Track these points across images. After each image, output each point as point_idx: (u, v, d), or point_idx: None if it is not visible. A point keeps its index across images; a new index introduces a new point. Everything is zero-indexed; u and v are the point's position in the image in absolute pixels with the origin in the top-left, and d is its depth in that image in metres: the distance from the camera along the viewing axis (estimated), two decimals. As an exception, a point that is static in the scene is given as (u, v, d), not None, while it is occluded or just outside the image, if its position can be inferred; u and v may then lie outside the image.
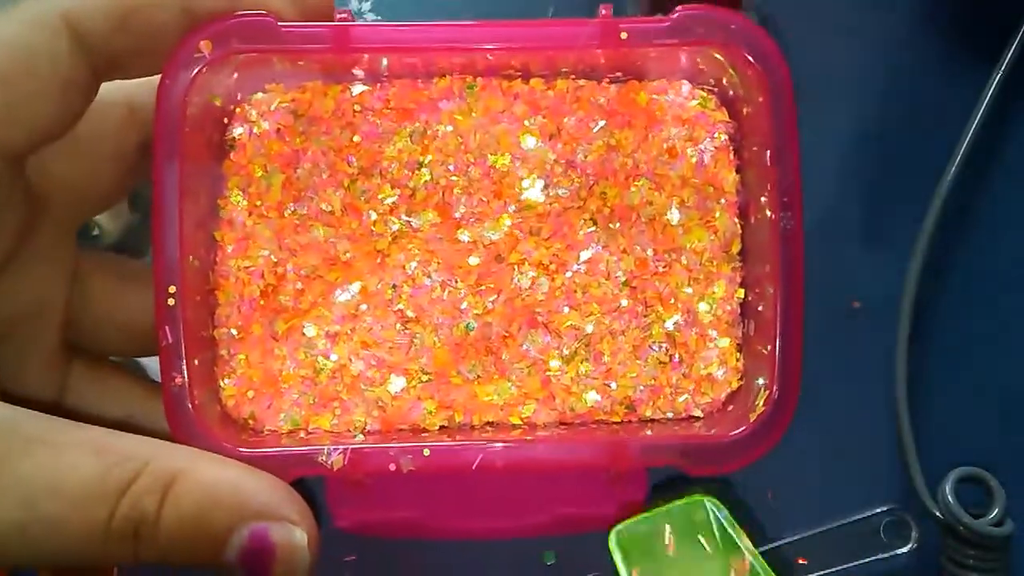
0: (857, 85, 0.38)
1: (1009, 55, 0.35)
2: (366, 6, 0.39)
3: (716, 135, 0.29)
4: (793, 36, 0.38)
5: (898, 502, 0.34)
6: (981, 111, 0.36)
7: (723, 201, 0.29)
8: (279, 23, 0.25)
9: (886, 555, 0.34)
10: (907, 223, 0.35)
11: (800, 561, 0.34)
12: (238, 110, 0.28)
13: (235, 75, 0.27)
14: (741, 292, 0.29)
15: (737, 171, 0.29)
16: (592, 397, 0.28)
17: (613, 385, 0.28)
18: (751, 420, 0.27)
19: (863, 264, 0.37)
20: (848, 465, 0.35)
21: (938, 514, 0.33)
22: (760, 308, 0.28)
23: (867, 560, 0.34)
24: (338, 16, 0.26)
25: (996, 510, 0.33)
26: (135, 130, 0.27)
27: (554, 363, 0.28)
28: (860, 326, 0.36)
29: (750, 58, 0.26)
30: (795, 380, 0.26)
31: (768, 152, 0.26)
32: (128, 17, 0.24)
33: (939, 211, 0.35)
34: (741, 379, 0.29)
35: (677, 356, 0.29)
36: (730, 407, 0.29)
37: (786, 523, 0.34)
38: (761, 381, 0.27)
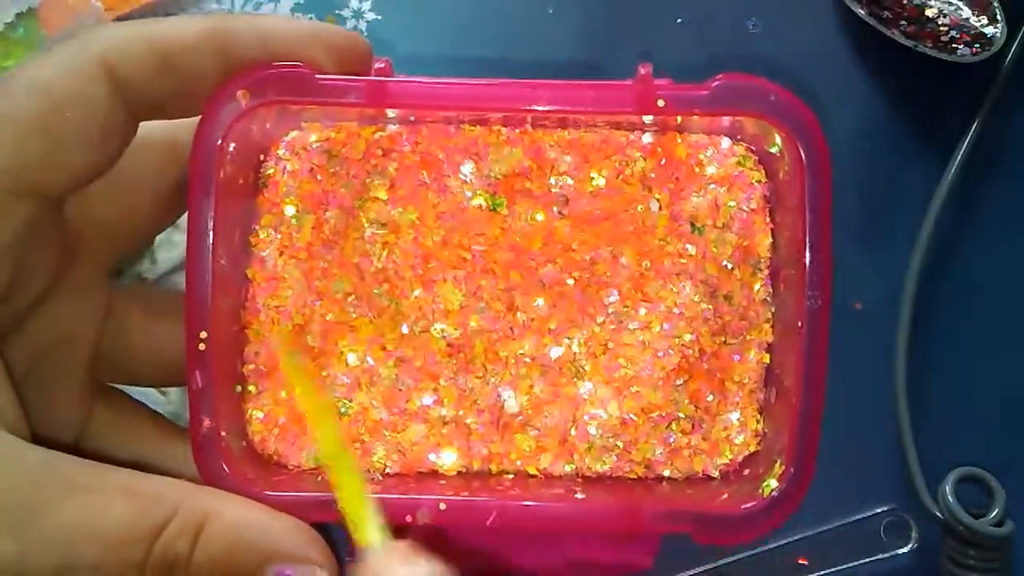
0: (857, 85, 0.38)
1: (1011, 52, 0.35)
2: (366, 5, 0.39)
3: (753, 196, 0.28)
4: (796, 35, 0.38)
5: (898, 502, 0.35)
6: (982, 111, 0.36)
7: (759, 266, 0.29)
8: (316, 75, 0.25)
9: (886, 555, 0.34)
10: (907, 223, 0.36)
11: (800, 561, 0.34)
12: (273, 147, 0.28)
13: (271, 115, 0.27)
14: (767, 357, 0.29)
15: (771, 235, 0.29)
16: (611, 458, 0.28)
17: (633, 449, 0.28)
18: (764, 495, 0.26)
19: (863, 264, 0.37)
20: (848, 465, 0.35)
21: (938, 514, 0.33)
22: (783, 378, 0.28)
23: (867, 560, 0.34)
24: (375, 68, 0.26)
25: (996, 510, 0.33)
26: (174, 168, 0.27)
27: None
28: (860, 326, 0.36)
29: (789, 131, 0.26)
30: (811, 459, 0.26)
31: (801, 229, 0.26)
32: (166, 62, 0.24)
33: (939, 211, 0.35)
34: (760, 443, 0.29)
35: (699, 418, 0.28)
36: (746, 470, 0.29)
37: (786, 523, 0.34)
38: (778, 451, 0.27)
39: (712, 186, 0.28)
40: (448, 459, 0.28)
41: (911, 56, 0.35)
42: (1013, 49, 0.35)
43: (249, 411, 0.28)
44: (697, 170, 0.28)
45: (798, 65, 0.38)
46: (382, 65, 0.26)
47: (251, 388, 0.28)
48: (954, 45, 0.34)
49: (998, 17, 0.34)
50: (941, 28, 0.34)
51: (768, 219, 0.29)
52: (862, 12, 0.36)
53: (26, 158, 0.23)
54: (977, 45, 0.34)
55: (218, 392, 0.26)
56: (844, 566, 0.34)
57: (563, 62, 0.38)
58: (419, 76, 0.26)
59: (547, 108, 0.26)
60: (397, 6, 0.39)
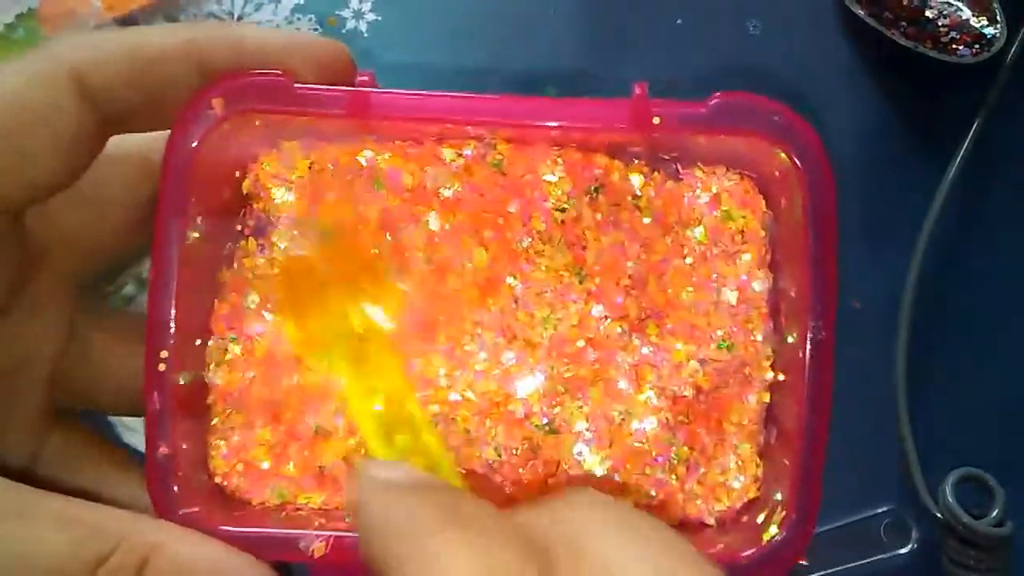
0: (858, 86, 0.38)
1: (1011, 52, 0.35)
2: (366, 6, 0.39)
3: (752, 224, 0.27)
4: (796, 36, 0.38)
5: (898, 502, 0.35)
6: (982, 111, 0.36)
7: (758, 300, 0.27)
8: (295, 84, 0.24)
9: (886, 555, 0.34)
10: (907, 223, 0.36)
11: (800, 561, 0.34)
12: (251, 165, 0.27)
13: (249, 130, 0.26)
14: (767, 396, 0.27)
15: (770, 267, 0.27)
16: None
17: (623, 493, 0.26)
18: (764, 542, 0.25)
19: (863, 264, 0.37)
20: (848, 465, 0.35)
21: (938, 514, 0.33)
22: (783, 419, 0.26)
23: (867, 560, 0.34)
24: (359, 80, 0.25)
25: (996, 510, 0.33)
26: (147, 183, 0.26)
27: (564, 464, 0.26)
28: (860, 326, 0.36)
29: (793, 156, 0.24)
30: (815, 504, 0.25)
31: (805, 258, 0.25)
32: (140, 72, 0.23)
33: (939, 211, 0.35)
34: (759, 488, 0.27)
35: (694, 460, 0.27)
36: (744, 517, 0.26)
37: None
38: (779, 497, 0.25)
39: (710, 213, 0.27)
40: None
41: (911, 57, 0.35)
42: (1013, 49, 0.35)
43: (211, 441, 0.26)
44: (691, 197, 0.27)
45: (798, 66, 0.38)
46: (366, 78, 0.25)
47: (215, 418, 0.26)
48: (954, 46, 0.34)
49: (998, 17, 0.34)
50: (941, 29, 0.34)
51: (768, 249, 0.27)
52: (862, 13, 0.36)
53: None
54: (977, 46, 0.34)
55: (177, 417, 0.24)
56: (844, 566, 0.34)
57: (563, 62, 0.38)
58: (404, 89, 0.25)
59: (539, 123, 0.25)
60: (397, 6, 0.39)
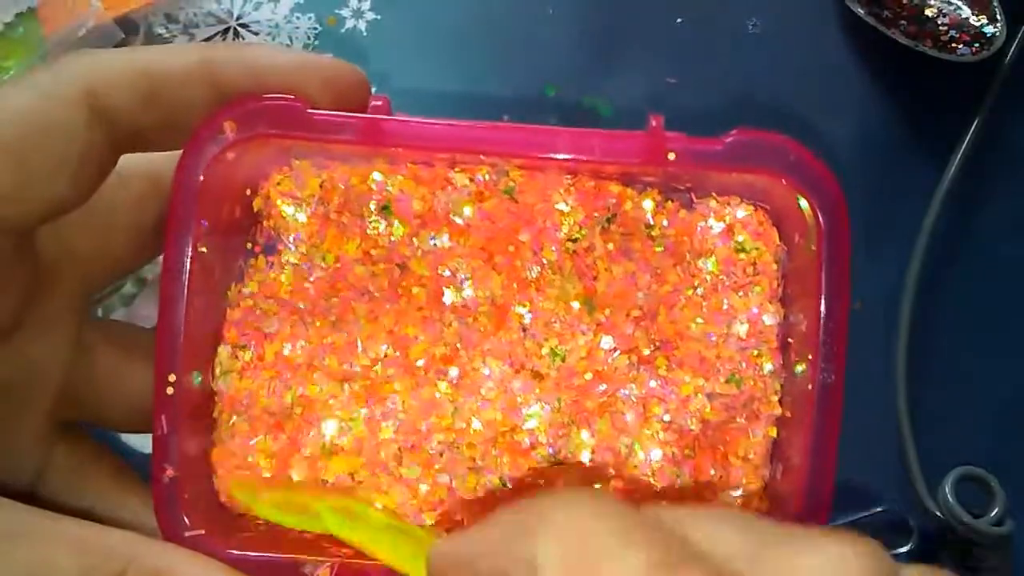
0: (857, 85, 0.38)
1: (1011, 52, 0.35)
2: (366, 5, 0.39)
3: (764, 258, 0.27)
4: (796, 35, 0.38)
5: (898, 502, 0.34)
6: (982, 111, 0.36)
7: (768, 337, 0.26)
8: (308, 110, 0.24)
9: (886, 555, 0.34)
10: (907, 223, 0.35)
11: None
12: (262, 184, 0.27)
13: (260, 149, 0.26)
14: (773, 431, 0.26)
15: (781, 301, 0.27)
16: None
17: None
18: None
19: (863, 264, 0.36)
20: (848, 465, 0.35)
21: (938, 514, 0.33)
22: (790, 455, 0.26)
23: (867, 560, 0.34)
24: (372, 106, 0.25)
25: (996, 510, 0.32)
26: (156, 203, 0.26)
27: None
28: (860, 326, 0.36)
29: (809, 196, 0.24)
30: None
31: (816, 298, 0.24)
32: (152, 91, 0.23)
33: (939, 211, 0.35)
34: None
35: (699, 494, 0.26)
36: None
37: (786, 523, 0.34)
38: None
39: (723, 244, 0.27)
40: (427, 519, 0.26)
41: (911, 56, 0.35)
42: (1013, 49, 0.35)
43: (217, 464, 0.26)
44: (704, 227, 0.27)
45: (798, 65, 0.38)
46: (379, 103, 0.25)
47: (220, 437, 0.26)
48: (954, 45, 0.34)
49: (998, 17, 0.34)
50: (941, 28, 0.34)
51: (780, 283, 0.27)
52: (862, 12, 0.36)
53: None
54: (977, 45, 0.34)
55: (184, 440, 0.24)
56: (844, 566, 0.34)
57: (563, 62, 0.38)
58: (418, 117, 0.25)
59: (553, 156, 0.25)
60: (397, 6, 0.39)
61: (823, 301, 0.24)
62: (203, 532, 0.24)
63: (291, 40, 0.39)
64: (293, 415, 0.26)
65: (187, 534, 0.24)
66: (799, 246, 0.26)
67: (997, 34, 0.34)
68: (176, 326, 0.24)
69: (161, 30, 0.39)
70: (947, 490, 0.33)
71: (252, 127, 0.24)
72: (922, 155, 0.36)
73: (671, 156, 0.24)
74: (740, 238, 0.26)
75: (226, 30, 0.39)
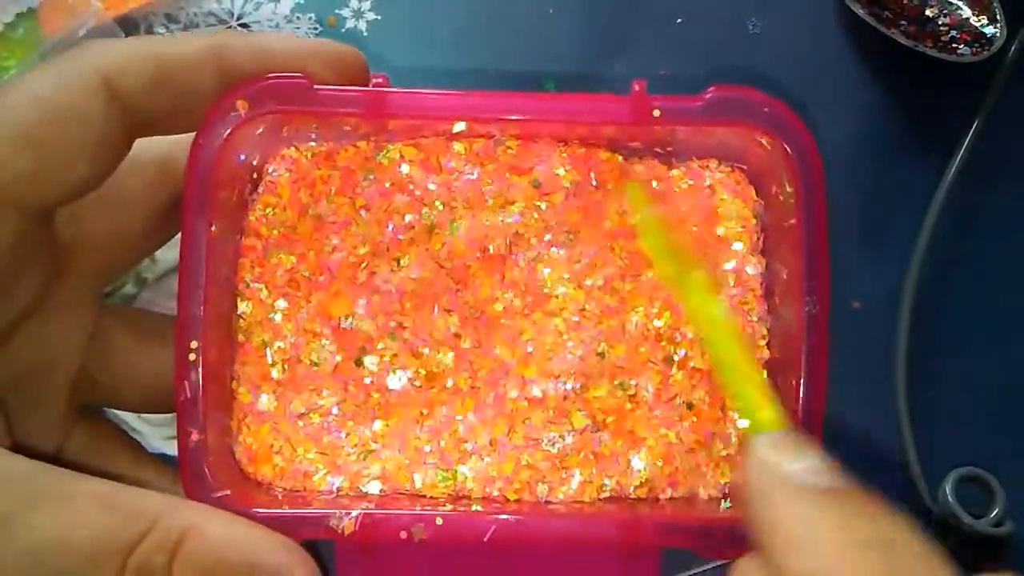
0: (857, 85, 0.38)
1: (1011, 52, 0.35)
2: (366, 5, 0.39)
3: (743, 213, 0.28)
4: (796, 35, 0.38)
5: (898, 502, 0.34)
6: (982, 111, 0.36)
7: (753, 284, 0.28)
8: (314, 86, 0.25)
9: (886, 555, 0.34)
10: (907, 223, 0.36)
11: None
12: (265, 164, 0.28)
13: (262, 132, 0.27)
14: (764, 374, 0.27)
15: (762, 253, 0.28)
16: (610, 483, 0.27)
17: (637, 463, 0.27)
18: None
19: (863, 264, 0.37)
20: (848, 465, 0.35)
21: (938, 514, 0.33)
22: (784, 398, 0.26)
23: (867, 560, 0.34)
24: (373, 83, 0.26)
25: (996, 510, 0.33)
26: (166, 186, 0.27)
27: (570, 440, 0.27)
28: (860, 326, 0.36)
29: (784, 145, 0.26)
30: None
31: (798, 240, 0.26)
32: (166, 78, 0.24)
33: (939, 211, 0.35)
34: None
35: (701, 441, 0.27)
36: None
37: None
38: None
39: (704, 203, 0.28)
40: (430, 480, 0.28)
41: (911, 56, 0.35)
42: (1013, 48, 0.35)
43: (237, 431, 0.27)
44: (688, 195, 0.28)
45: (798, 65, 0.38)
46: (380, 79, 0.26)
47: (239, 408, 0.27)
48: (954, 45, 0.34)
49: (998, 17, 0.34)
50: (941, 28, 0.34)
51: (760, 235, 0.28)
52: (862, 12, 0.36)
53: (17, 170, 0.22)
54: (977, 45, 0.34)
55: (207, 407, 0.25)
56: (844, 566, 0.34)
57: (563, 61, 0.38)
58: (416, 88, 0.26)
59: (544, 118, 0.26)
60: (397, 6, 0.39)
61: (804, 240, 0.26)
62: (228, 493, 0.25)
63: (291, 40, 0.39)
64: (306, 386, 0.27)
65: (213, 496, 0.25)
66: (776, 197, 0.27)
67: (997, 34, 0.34)
68: (196, 297, 0.25)
69: (161, 30, 0.39)
70: (947, 490, 0.33)
71: (262, 104, 0.25)
72: (922, 155, 0.36)
73: (656, 113, 0.26)
74: (721, 196, 0.28)
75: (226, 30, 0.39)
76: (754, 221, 0.28)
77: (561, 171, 0.28)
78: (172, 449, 0.34)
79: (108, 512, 0.22)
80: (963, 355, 0.36)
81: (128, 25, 0.38)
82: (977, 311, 0.36)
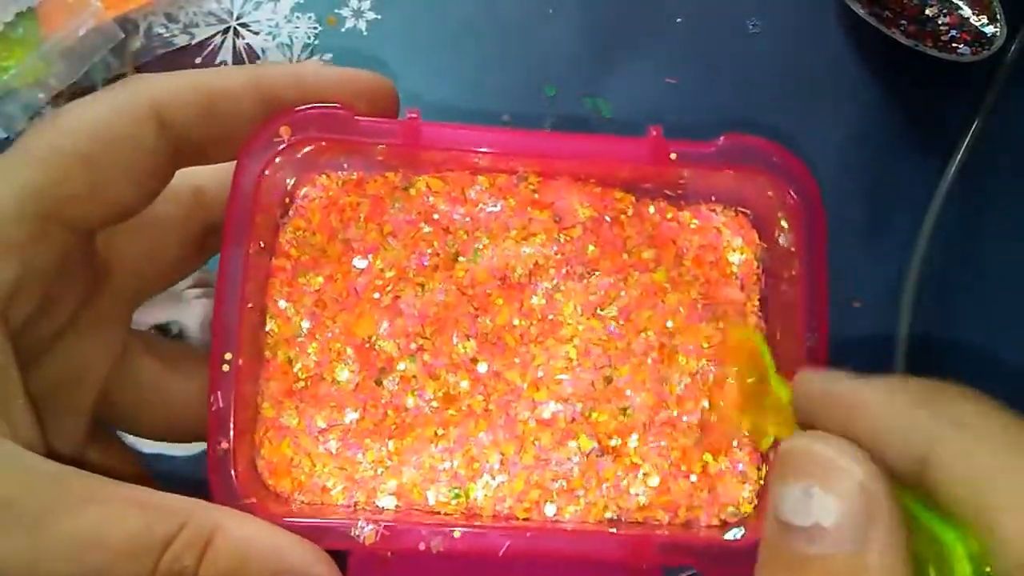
0: (857, 85, 0.38)
1: (1011, 51, 0.35)
2: (366, 5, 0.39)
3: (746, 257, 0.29)
4: (796, 35, 0.38)
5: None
6: (982, 111, 0.36)
7: (753, 323, 0.29)
8: (355, 115, 0.27)
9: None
10: (907, 223, 0.36)
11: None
12: (299, 190, 0.29)
13: (300, 158, 0.28)
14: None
15: (760, 300, 0.29)
16: (611, 506, 0.28)
17: (636, 495, 0.28)
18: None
19: (863, 263, 0.37)
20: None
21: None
22: None
23: (867, 560, 0.34)
24: (408, 117, 0.27)
25: (996, 510, 0.32)
26: (200, 213, 0.28)
27: (575, 466, 0.28)
28: (859, 325, 0.36)
29: (790, 192, 0.27)
30: None
31: (799, 285, 0.27)
32: (211, 108, 0.25)
33: (939, 211, 0.35)
34: (762, 481, 0.28)
35: (695, 477, 0.28)
36: (752, 504, 0.28)
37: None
38: None
39: (705, 245, 0.30)
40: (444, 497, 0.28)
41: (911, 56, 0.35)
42: (1013, 48, 0.35)
43: (259, 445, 0.28)
44: (694, 237, 0.30)
45: (798, 65, 0.38)
46: (415, 115, 0.27)
47: (263, 421, 0.28)
48: (954, 44, 0.34)
49: (998, 17, 0.34)
50: (941, 28, 0.34)
51: (761, 277, 0.29)
52: (862, 12, 0.36)
53: (70, 189, 0.24)
54: (977, 44, 0.34)
55: (237, 418, 0.26)
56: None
57: (563, 61, 0.38)
58: (449, 123, 0.28)
59: (569, 158, 0.28)
60: (397, 6, 0.39)
61: (806, 276, 0.27)
62: (254, 500, 0.26)
63: (291, 39, 0.39)
64: (329, 403, 0.28)
65: (240, 502, 0.26)
66: (778, 241, 0.28)
67: (997, 34, 0.34)
68: (232, 311, 0.26)
69: (161, 30, 0.39)
70: (947, 490, 0.33)
71: (304, 132, 0.26)
72: (922, 155, 0.36)
73: (673, 156, 0.27)
74: (724, 238, 0.30)
75: (226, 30, 0.39)
76: (756, 263, 0.29)
77: (579, 207, 0.29)
78: (170, 449, 0.34)
79: (142, 511, 0.23)
80: (962, 354, 0.36)
81: (128, 25, 0.38)
82: (977, 310, 0.36)
